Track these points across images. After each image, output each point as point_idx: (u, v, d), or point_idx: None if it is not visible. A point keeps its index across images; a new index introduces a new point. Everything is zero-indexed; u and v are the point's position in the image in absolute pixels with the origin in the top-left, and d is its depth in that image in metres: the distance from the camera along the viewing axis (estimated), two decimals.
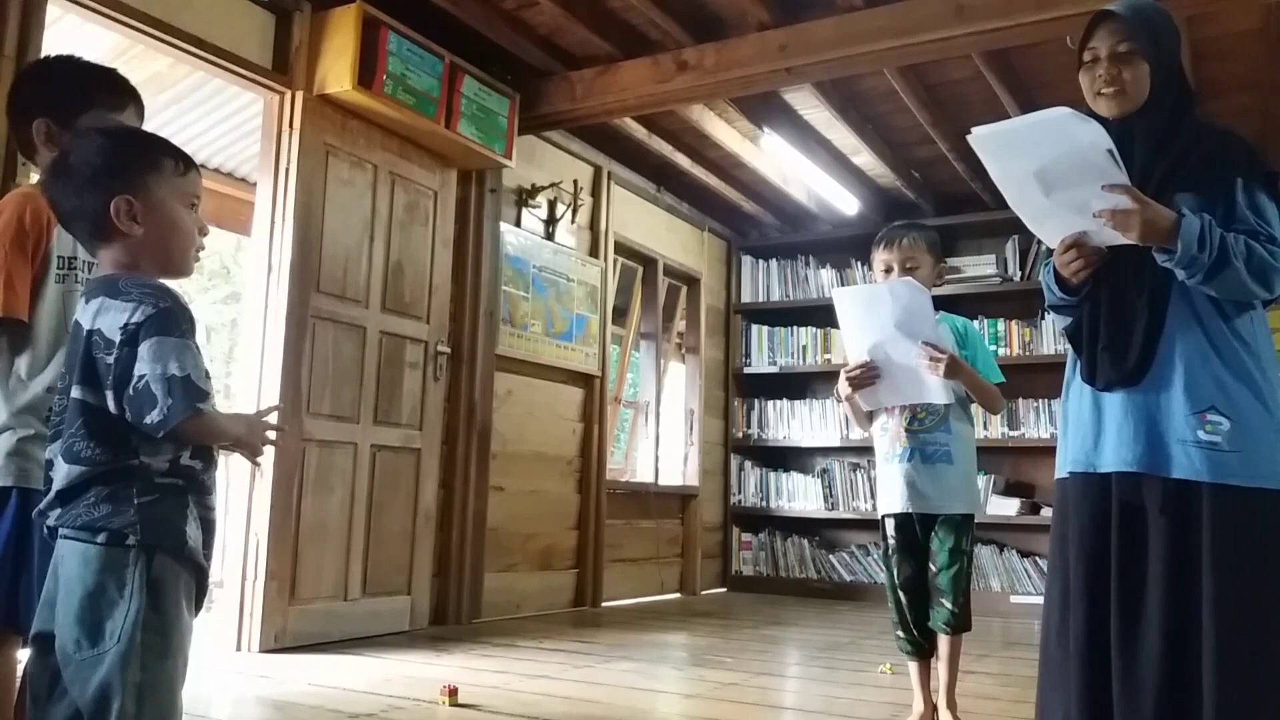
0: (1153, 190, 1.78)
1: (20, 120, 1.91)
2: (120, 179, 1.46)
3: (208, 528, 1.48)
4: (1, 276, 1.76)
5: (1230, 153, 1.86)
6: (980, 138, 1.80)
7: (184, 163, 1.54)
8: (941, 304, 2.74)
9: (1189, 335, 1.79)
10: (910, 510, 2.59)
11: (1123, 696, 1.74)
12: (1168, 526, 1.75)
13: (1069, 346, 1.94)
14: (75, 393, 1.42)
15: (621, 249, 5.81)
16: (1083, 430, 1.89)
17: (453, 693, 2.82)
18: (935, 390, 2.48)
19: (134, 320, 1.39)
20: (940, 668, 2.61)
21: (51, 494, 1.42)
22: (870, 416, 2.71)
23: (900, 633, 2.64)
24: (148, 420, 1.36)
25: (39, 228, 1.79)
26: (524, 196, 4.98)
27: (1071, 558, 1.85)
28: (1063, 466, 1.94)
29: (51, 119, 1.85)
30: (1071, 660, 1.81)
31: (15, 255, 1.77)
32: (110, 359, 1.39)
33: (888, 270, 2.65)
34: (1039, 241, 5.93)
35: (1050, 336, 5.90)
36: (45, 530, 1.44)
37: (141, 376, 1.37)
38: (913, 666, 2.64)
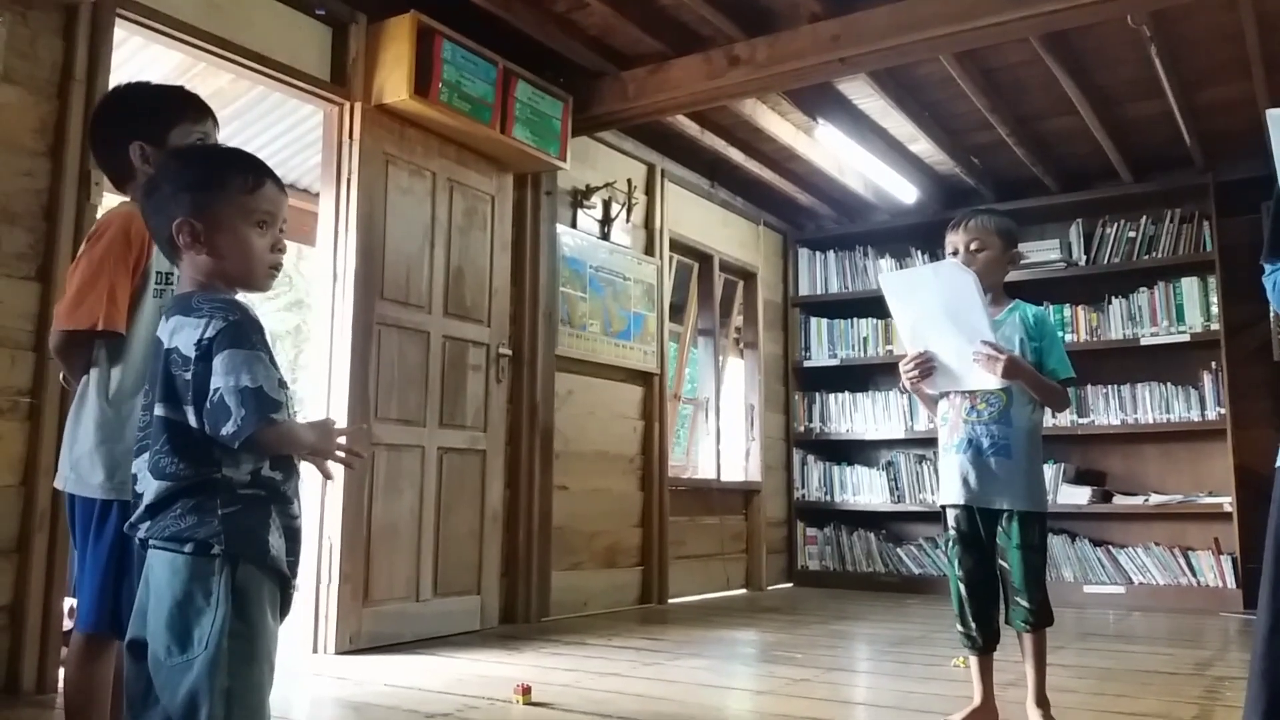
0: None
1: (113, 148, 1.93)
2: (182, 202, 1.50)
3: (292, 536, 1.51)
4: (105, 290, 1.81)
5: None
6: None
7: (254, 179, 1.55)
8: (1010, 291, 2.71)
9: None
10: (966, 503, 2.55)
11: None
12: None
13: None
14: (158, 410, 1.46)
15: (677, 246, 5.82)
16: None
17: (526, 691, 2.85)
18: (990, 377, 2.46)
19: (207, 336, 1.43)
20: (1026, 667, 2.55)
21: (141, 507, 1.47)
22: (938, 402, 2.68)
23: (959, 626, 2.58)
24: (223, 432, 1.40)
25: (141, 243, 1.85)
26: (579, 197, 5.01)
27: None
28: None
29: (145, 140, 1.90)
30: None
31: (118, 269, 1.83)
32: (188, 375, 1.43)
33: (955, 252, 2.62)
34: (1104, 224, 5.89)
35: (1118, 321, 5.77)
36: (138, 542, 1.49)
37: (216, 390, 1.40)
38: (973, 660, 2.60)
